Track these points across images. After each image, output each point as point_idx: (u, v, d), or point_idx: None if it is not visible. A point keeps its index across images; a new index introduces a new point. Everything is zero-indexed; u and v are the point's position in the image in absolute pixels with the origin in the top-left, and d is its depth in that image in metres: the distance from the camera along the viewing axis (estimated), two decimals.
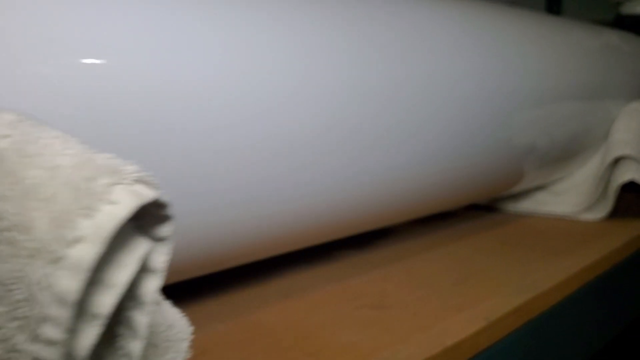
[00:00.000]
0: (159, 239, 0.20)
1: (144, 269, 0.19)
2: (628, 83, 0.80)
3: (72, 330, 0.17)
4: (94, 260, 0.17)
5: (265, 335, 0.38)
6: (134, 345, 0.19)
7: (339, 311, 0.42)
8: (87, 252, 0.17)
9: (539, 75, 0.64)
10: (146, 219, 0.20)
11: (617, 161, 0.68)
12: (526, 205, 0.75)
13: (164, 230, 0.20)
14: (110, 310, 0.18)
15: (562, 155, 0.71)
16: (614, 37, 0.86)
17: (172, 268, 0.21)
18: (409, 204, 0.55)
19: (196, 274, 0.41)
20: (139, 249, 0.19)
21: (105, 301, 0.18)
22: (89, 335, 0.17)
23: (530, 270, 0.51)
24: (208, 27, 0.35)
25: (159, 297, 0.21)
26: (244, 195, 0.37)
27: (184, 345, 0.22)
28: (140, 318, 0.19)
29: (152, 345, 0.20)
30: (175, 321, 0.22)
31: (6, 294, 0.17)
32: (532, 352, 0.46)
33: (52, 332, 0.17)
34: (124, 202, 0.18)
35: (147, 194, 0.19)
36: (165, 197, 0.20)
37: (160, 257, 0.20)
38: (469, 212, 0.75)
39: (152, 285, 0.19)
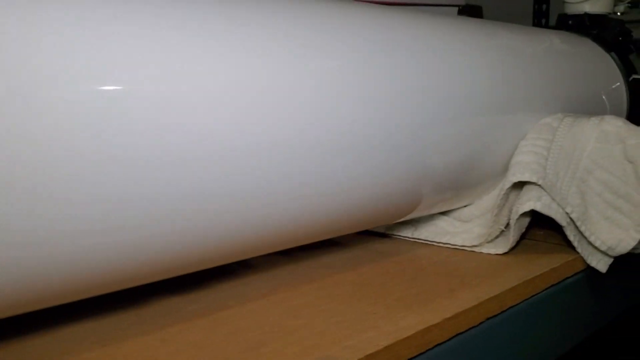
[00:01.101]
0: None
1: None
2: (555, 92, 0.70)
3: None
4: None
5: None
6: None
7: None
8: None
9: (431, 87, 0.55)
10: None
11: (523, 186, 0.59)
12: (425, 234, 0.65)
13: None
14: None
15: (463, 178, 0.61)
16: (549, 40, 0.76)
17: None
18: (278, 233, 0.46)
19: None
20: None
21: None
22: None
23: (368, 327, 0.42)
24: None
25: None
26: None
27: None
28: None
29: None
30: None
31: None
32: None
33: None
34: None
35: None
36: None
37: None
38: (357, 238, 0.65)
39: None
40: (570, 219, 0.58)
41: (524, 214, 0.58)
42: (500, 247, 0.60)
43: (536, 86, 0.67)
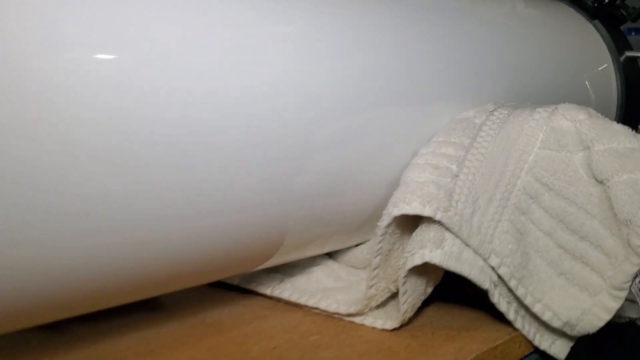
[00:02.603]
0: None
1: None
2: (502, 75, 0.47)
3: None
4: None
5: None
6: None
7: None
8: None
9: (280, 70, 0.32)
10: None
11: (420, 221, 0.36)
12: (290, 291, 0.42)
13: None
14: None
15: (338, 200, 0.38)
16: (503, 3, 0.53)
17: None
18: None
19: None
20: None
21: None
22: None
23: None
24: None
25: None
26: None
27: None
28: None
29: None
30: None
31: None
32: None
33: None
34: None
35: None
36: None
37: None
38: (187, 300, 0.43)
39: None
40: (499, 276, 0.35)
41: (420, 270, 0.35)
42: (392, 318, 0.37)
43: (467, 67, 0.44)
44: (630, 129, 0.36)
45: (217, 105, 0.30)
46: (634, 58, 0.59)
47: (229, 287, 0.45)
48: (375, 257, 0.36)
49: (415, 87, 0.39)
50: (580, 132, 0.36)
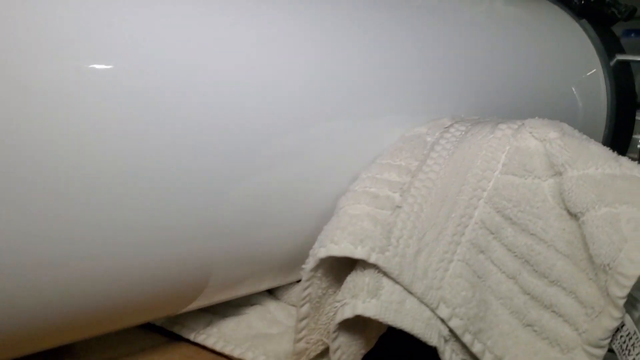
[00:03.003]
0: None
1: None
2: (473, 82, 0.41)
3: None
4: None
5: None
6: None
7: None
8: None
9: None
10: None
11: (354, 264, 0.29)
12: (215, 337, 0.36)
13: None
14: None
15: (262, 231, 0.32)
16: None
17: None
18: None
19: None
20: None
21: None
22: None
23: None
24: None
25: None
26: None
27: None
28: None
29: None
30: None
31: None
32: None
33: None
34: None
35: None
36: None
37: None
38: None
39: None
40: (450, 330, 0.29)
41: (357, 321, 0.28)
42: None
43: (427, 73, 0.37)
44: (611, 151, 0.29)
45: None
46: (626, 62, 0.53)
47: (153, 328, 0.39)
48: (302, 305, 0.30)
49: (359, 98, 0.33)
50: (550, 154, 0.29)
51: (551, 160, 0.29)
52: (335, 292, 0.30)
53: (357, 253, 0.27)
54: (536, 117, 0.32)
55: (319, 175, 0.32)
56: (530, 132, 0.31)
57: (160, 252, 0.29)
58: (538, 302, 0.29)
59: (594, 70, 0.51)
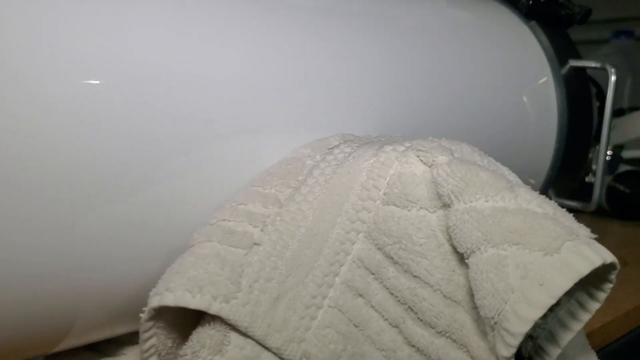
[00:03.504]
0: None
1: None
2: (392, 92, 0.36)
3: None
4: None
5: None
6: None
7: None
8: None
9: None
10: None
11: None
12: None
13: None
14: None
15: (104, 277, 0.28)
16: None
17: None
18: None
19: None
20: None
21: None
22: None
23: None
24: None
25: None
26: None
27: None
28: None
29: None
30: None
31: None
32: None
33: None
34: None
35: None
36: None
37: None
38: None
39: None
40: None
41: None
42: None
43: (333, 82, 0.33)
44: (506, 180, 0.25)
45: None
46: (581, 69, 0.48)
47: None
48: (146, 359, 0.25)
49: (231, 113, 0.28)
50: (436, 182, 0.25)
51: (438, 189, 0.25)
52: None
53: (194, 303, 0.23)
54: (430, 137, 0.28)
55: (176, 204, 0.27)
56: (418, 155, 0.26)
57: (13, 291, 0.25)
58: (424, 356, 0.25)
59: (544, 77, 0.47)
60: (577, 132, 0.47)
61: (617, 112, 1.00)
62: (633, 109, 0.95)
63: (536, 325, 0.26)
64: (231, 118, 0.28)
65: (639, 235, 0.67)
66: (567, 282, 0.21)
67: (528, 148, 0.47)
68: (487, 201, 0.24)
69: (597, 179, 0.47)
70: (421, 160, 0.26)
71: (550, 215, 0.23)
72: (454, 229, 0.24)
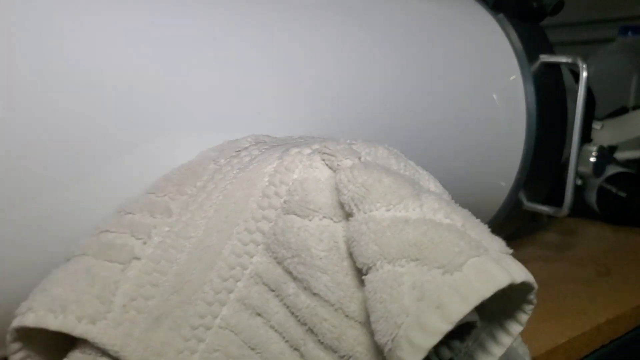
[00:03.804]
0: None
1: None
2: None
3: None
4: None
5: None
6: None
7: None
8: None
9: None
10: None
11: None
12: None
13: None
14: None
15: None
16: None
17: None
18: None
19: None
20: None
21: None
22: None
23: None
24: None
25: None
26: None
27: None
28: None
29: None
30: None
31: None
32: None
33: None
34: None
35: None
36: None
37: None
38: None
39: None
40: None
41: None
42: None
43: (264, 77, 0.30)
44: (413, 186, 0.22)
45: None
46: (554, 65, 0.45)
47: None
48: None
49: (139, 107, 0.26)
50: (338, 189, 0.22)
51: (339, 197, 0.22)
52: None
53: (56, 324, 0.21)
54: (341, 139, 0.25)
55: (69, 213, 0.25)
56: (323, 159, 0.23)
57: None
58: None
59: (512, 74, 0.44)
60: (548, 132, 0.44)
61: (619, 112, 0.96)
62: (638, 107, 0.91)
63: (455, 348, 0.23)
64: (138, 121, 0.26)
65: (629, 242, 0.63)
66: (465, 306, 0.18)
67: (496, 149, 0.44)
68: (388, 210, 0.21)
69: (569, 182, 0.44)
70: (326, 164, 0.23)
71: (457, 227, 0.20)
72: (351, 242, 0.21)
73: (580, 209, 0.70)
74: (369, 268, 0.20)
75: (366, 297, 0.20)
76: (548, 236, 0.63)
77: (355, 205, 0.21)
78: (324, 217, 0.23)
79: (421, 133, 0.41)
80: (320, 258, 0.22)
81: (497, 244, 0.20)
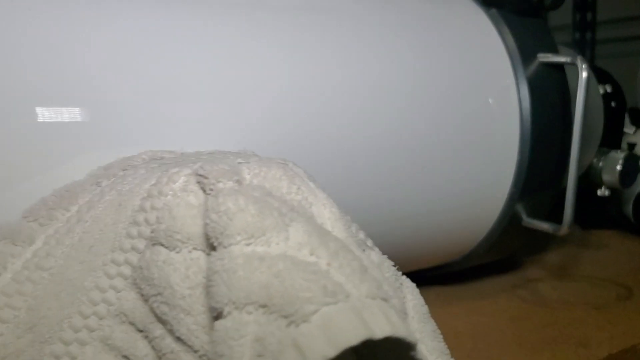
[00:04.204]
0: None
1: None
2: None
3: None
4: None
5: None
6: None
7: None
8: None
9: None
10: None
11: None
12: None
13: None
14: None
15: None
16: None
17: None
18: None
19: None
20: None
21: None
22: None
23: None
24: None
25: None
26: None
27: None
28: None
29: None
30: None
31: None
32: None
33: None
34: None
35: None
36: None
37: None
38: None
39: None
40: None
41: None
42: None
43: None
44: (281, 216, 0.18)
45: None
46: (555, 65, 0.40)
47: None
48: None
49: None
50: (205, 217, 0.19)
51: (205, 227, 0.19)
52: None
53: None
54: (239, 157, 0.22)
55: None
56: (198, 182, 0.20)
57: None
58: None
59: (504, 75, 0.39)
60: (547, 140, 0.40)
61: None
62: None
63: None
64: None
65: None
66: None
67: (487, 159, 0.40)
68: (247, 244, 0.18)
69: (569, 198, 0.39)
70: (199, 186, 0.20)
71: (319, 266, 0.17)
72: (208, 282, 0.18)
73: (615, 221, 0.64)
74: (219, 314, 0.17)
75: (211, 350, 0.17)
76: (569, 250, 0.57)
77: (216, 237, 0.18)
78: (194, 248, 0.20)
79: (403, 142, 0.37)
80: (184, 297, 0.19)
81: (366, 288, 0.17)
